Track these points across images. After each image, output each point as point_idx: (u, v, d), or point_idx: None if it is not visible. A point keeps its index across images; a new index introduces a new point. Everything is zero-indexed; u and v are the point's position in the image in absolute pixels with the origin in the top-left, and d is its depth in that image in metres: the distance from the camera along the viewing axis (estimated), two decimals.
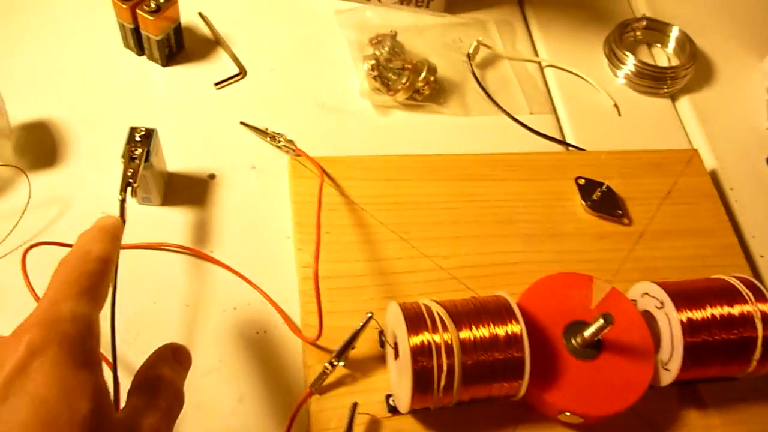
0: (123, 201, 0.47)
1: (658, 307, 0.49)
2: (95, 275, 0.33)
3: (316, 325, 0.48)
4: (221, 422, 0.47)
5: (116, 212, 0.47)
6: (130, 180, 0.49)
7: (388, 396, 0.48)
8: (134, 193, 0.52)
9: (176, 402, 0.35)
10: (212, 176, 0.58)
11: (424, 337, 0.43)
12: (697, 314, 0.48)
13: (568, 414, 0.46)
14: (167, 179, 0.57)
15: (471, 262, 0.55)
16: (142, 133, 0.51)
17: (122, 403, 0.34)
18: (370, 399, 0.48)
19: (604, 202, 0.59)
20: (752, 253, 0.63)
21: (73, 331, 0.30)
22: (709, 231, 0.60)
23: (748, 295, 0.49)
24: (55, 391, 0.27)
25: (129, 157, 0.50)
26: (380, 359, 0.49)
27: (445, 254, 0.55)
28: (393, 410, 0.47)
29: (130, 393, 0.33)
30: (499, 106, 0.67)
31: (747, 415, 0.52)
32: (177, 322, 0.51)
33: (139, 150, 0.51)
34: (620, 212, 0.59)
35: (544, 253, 0.56)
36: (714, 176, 0.67)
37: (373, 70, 0.63)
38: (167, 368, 0.36)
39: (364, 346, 0.50)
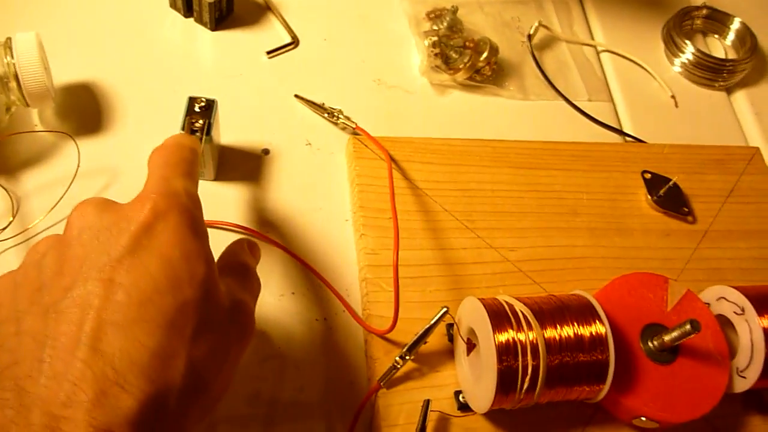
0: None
1: (737, 313, 0.48)
2: (192, 162, 0.36)
3: (386, 316, 0.46)
4: (282, 412, 0.45)
5: None
6: None
7: (458, 392, 0.46)
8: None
9: (258, 287, 0.39)
10: (266, 151, 0.55)
11: (509, 335, 0.42)
12: None
13: (643, 419, 0.45)
14: (220, 152, 0.54)
15: (536, 255, 0.53)
16: (203, 104, 0.48)
17: None
18: (438, 395, 0.46)
19: (671, 198, 0.57)
20: None
21: (189, 203, 0.33)
22: None
23: None
24: (177, 252, 0.30)
25: (190, 130, 0.47)
26: (448, 354, 0.48)
27: (511, 246, 0.53)
28: (463, 408, 0.46)
29: (222, 273, 0.35)
30: (558, 91, 0.65)
31: None
32: None
33: (200, 122, 0.47)
34: (686, 209, 0.57)
35: (610, 249, 0.55)
36: None
37: (434, 46, 0.60)
38: (249, 257, 0.40)
39: (432, 339, 0.47)
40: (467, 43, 0.61)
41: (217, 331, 0.32)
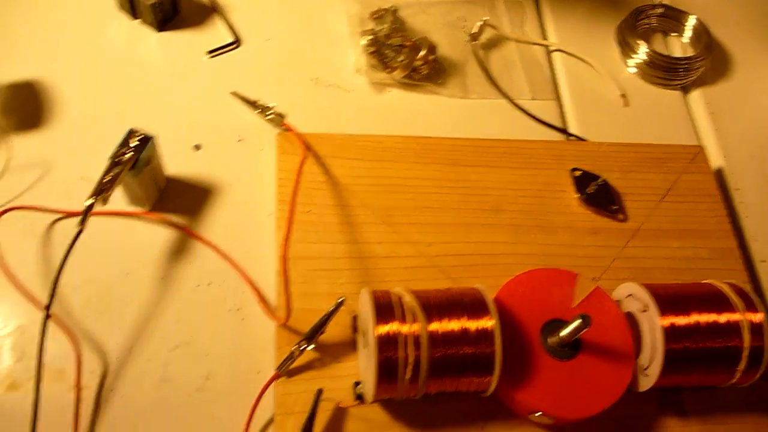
0: (89, 207, 0.45)
1: (641, 311, 0.47)
2: None
3: (297, 307, 0.47)
4: (186, 398, 0.47)
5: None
6: (103, 189, 0.46)
7: (357, 383, 0.47)
8: (105, 201, 0.47)
9: None
10: (198, 147, 0.57)
11: (392, 327, 0.42)
12: (681, 320, 0.46)
13: (539, 414, 0.45)
14: (164, 186, 0.54)
15: (454, 251, 0.53)
16: (139, 137, 0.48)
17: None
18: (338, 385, 0.47)
19: (599, 196, 0.57)
20: (753, 258, 0.60)
21: None
22: (708, 233, 0.58)
23: (737, 303, 0.47)
24: None
25: (113, 161, 0.47)
26: (352, 345, 0.48)
27: (429, 241, 0.53)
28: (360, 398, 0.46)
29: None
30: (499, 90, 0.65)
31: (728, 424, 0.50)
32: (149, 294, 0.50)
33: (128, 155, 0.48)
34: (615, 207, 0.57)
35: (532, 246, 0.54)
36: (720, 175, 0.65)
37: (370, 45, 0.61)
38: None
39: (336, 331, 0.49)
40: (405, 43, 0.62)
41: None
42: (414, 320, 0.42)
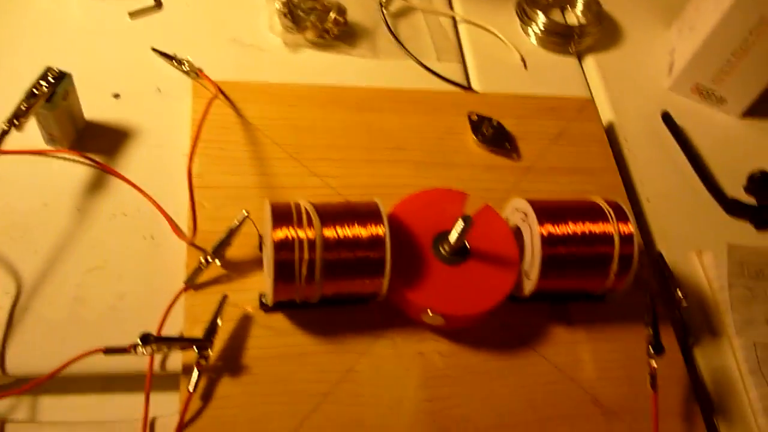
0: (4, 132, 0.48)
1: (523, 220, 0.52)
2: None
3: (206, 230, 0.50)
4: (99, 316, 0.49)
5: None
6: (19, 115, 0.49)
7: (261, 295, 0.50)
8: (19, 128, 0.49)
9: None
10: (117, 95, 0.60)
11: (289, 232, 0.45)
12: (559, 229, 0.50)
13: (430, 313, 0.48)
14: (82, 127, 0.57)
15: (359, 183, 0.57)
16: (56, 74, 0.52)
17: None
18: (245, 297, 0.50)
19: (495, 137, 0.62)
20: (640, 197, 0.66)
21: None
22: (595, 170, 0.63)
23: (611, 216, 0.52)
24: None
25: (30, 92, 0.50)
26: (259, 263, 0.51)
27: (335, 174, 0.57)
28: (265, 307, 0.49)
29: None
30: (407, 51, 0.70)
31: (610, 333, 0.55)
32: (65, 224, 0.52)
33: (45, 89, 0.51)
34: (509, 146, 0.62)
35: (432, 180, 0.59)
36: (611, 129, 0.70)
37: (284, 7, 0.65)
38: None
39: (244, 250, 0.52)
40: (316, 5, 0.66)
41: None
42: (310, 226, 0.46)
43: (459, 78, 0.70)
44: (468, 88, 0.69)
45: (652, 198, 0.66)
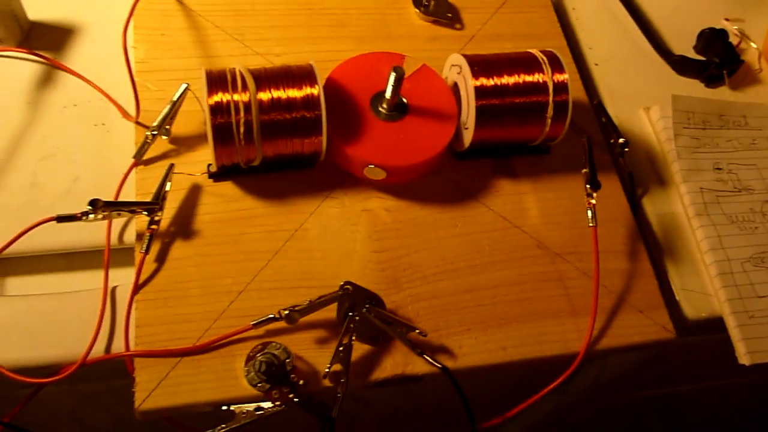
0: None
1: (458, 73, 0.53)
2: None
3: (153, 110, 0.51)
4: (56, 198, 0.51)
5: None
6: None
7: (209, 165, 0.51)
8: None
9: None
10: None
11: (223, 96, 0.47)
12: (492, 80, 0.51)
13: (372, 167, 0.50)
14: (27, 27, 0.58)
15: (301, 59, 0.57)
16: None
17: None
18: (193, 169, 0.51)
19: (437, 9, 0.62)
20: (588, 62, 0.67)
21: None
22: (540, 35, 0.64)
23: (546, 66, 0.53)
24: None
25: None
26: (205, 137, 0.53)
27: (277, 52, 0.58)
28: (212, 176, 0.51)
29: None
30: None
31: (554, 183, 0.56)
32: (17, 117, 0.54)
33: None
34: (450, 15, 0.62)
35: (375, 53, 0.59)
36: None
37: None
38: None
39: (191, 126, 0.53)
40: None
41: None
42: (244, 90, 0.47)
43: None
44: None
45: (601, 62, 0.67)
